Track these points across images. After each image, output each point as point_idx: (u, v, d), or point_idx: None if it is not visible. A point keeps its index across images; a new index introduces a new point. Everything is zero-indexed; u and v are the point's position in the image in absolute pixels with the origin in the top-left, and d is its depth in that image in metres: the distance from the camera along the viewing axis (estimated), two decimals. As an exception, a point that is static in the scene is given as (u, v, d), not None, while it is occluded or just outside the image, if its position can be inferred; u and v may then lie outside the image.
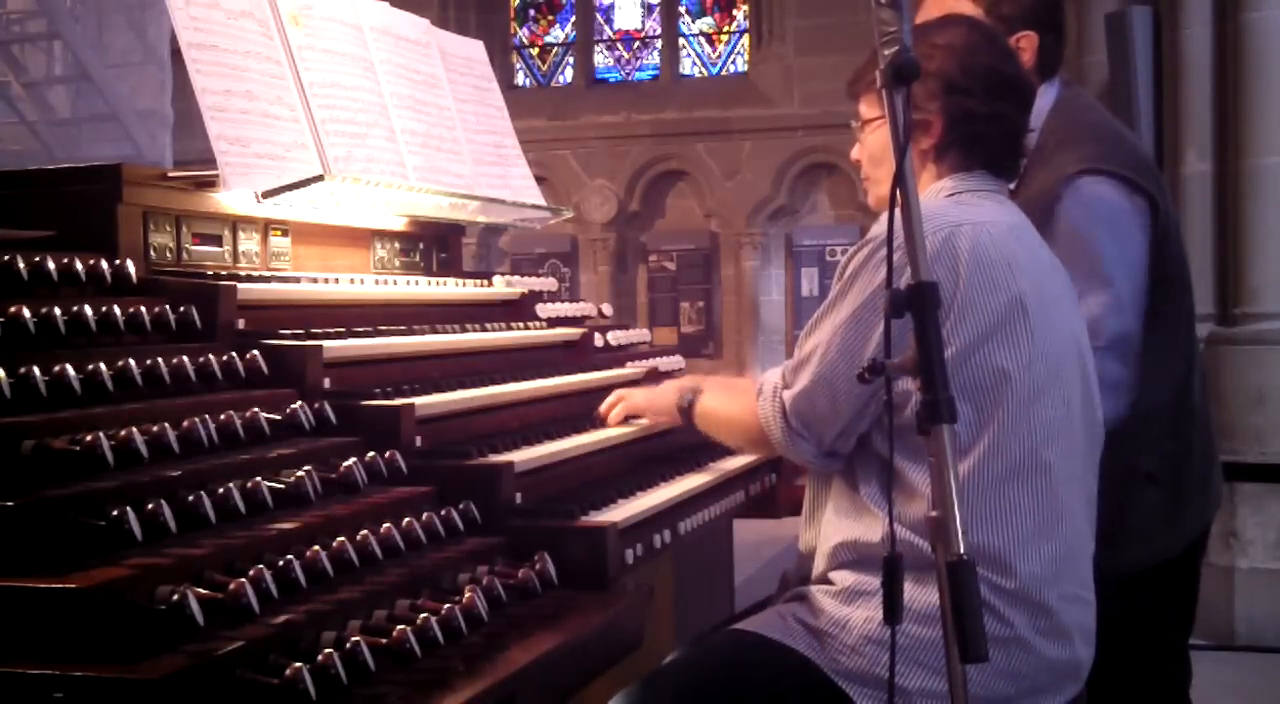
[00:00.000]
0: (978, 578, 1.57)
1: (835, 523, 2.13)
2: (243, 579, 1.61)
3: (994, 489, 2.02)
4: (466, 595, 1.88)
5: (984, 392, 2.02)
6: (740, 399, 2.34)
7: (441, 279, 3.15)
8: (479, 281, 3.28)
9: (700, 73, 11.47)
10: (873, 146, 2.28)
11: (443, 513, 2.11)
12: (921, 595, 1.95)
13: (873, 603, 2.00)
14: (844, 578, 2.09)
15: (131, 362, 1.95)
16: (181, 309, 2.17)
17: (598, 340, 3.28)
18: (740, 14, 11.33)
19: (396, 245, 3.17)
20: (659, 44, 11.49)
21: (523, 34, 11.91)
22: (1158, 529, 2.62)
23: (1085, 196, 2.50)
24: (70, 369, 1.83)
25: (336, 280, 2.72)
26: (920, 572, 1.91)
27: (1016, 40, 2.60)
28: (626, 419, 2.78)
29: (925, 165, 2.20)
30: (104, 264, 2.14)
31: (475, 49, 3.51)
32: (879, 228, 2.01)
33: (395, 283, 2.97)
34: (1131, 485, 2.57)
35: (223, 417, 1.97)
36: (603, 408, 2.80)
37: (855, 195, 9.96)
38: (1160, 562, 2.64)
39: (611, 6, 11.72)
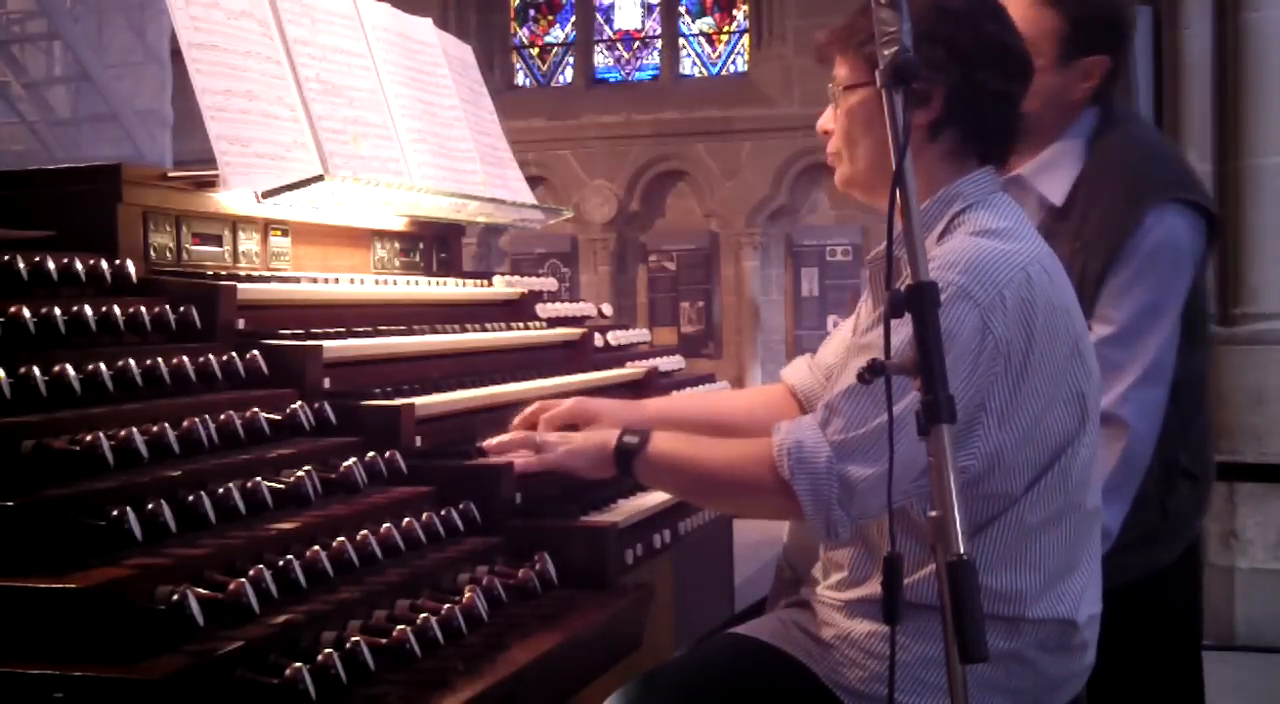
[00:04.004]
0: (978, 584, 1.54)
1: (849, 579, 2.07)
2: (243, 579, 1.61)
3: (1029, 536, 1.96)
4: (466, 595, 1.88)
5: (1045, 452, 1.95)
6: (725, 450, 2.05)
7: (441, 279, 3.15)
8: (479, 281, 3.28)
9: (700, 73, 11.47)
10: (850, 118, 2.06)
11: (443, 513, 2.10)
12: (925, 623, 1.91)
13: (875, 616, 1.95)
14: (848, 591, 2.06)
15: (131, 362, 1.95)
16: (181, 309, 2.17)
17: (598, 340, 3.28)
18: (740, 14, 11.33)
19: (396, 245, 3.17)
20: (659, 44, 11.49)
21: (523, 34, 11.92)
22: (1189, 522, 2.64)
23: (1168, 226, 2.45)
24: (70, 369, 1.83)
25: (336, 280, 2.72)
26: (926, 612, 1.88)
27: (1089, 64, 2.52)
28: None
29: (921, 147, 1.96)
30: (104, 264, 2.14)
31: (467, 52, 3.53)
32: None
33: (395, 283, 2.97)
34: (1171, 482, 2.57)
35: (223, 417, 1.97)
36: (493, 442, 2.33)
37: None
38: (1179, 556, 2.65)
39: (611, 6, 11.72)
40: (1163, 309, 2.45)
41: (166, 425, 1.85)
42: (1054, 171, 2.57)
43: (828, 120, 2.13)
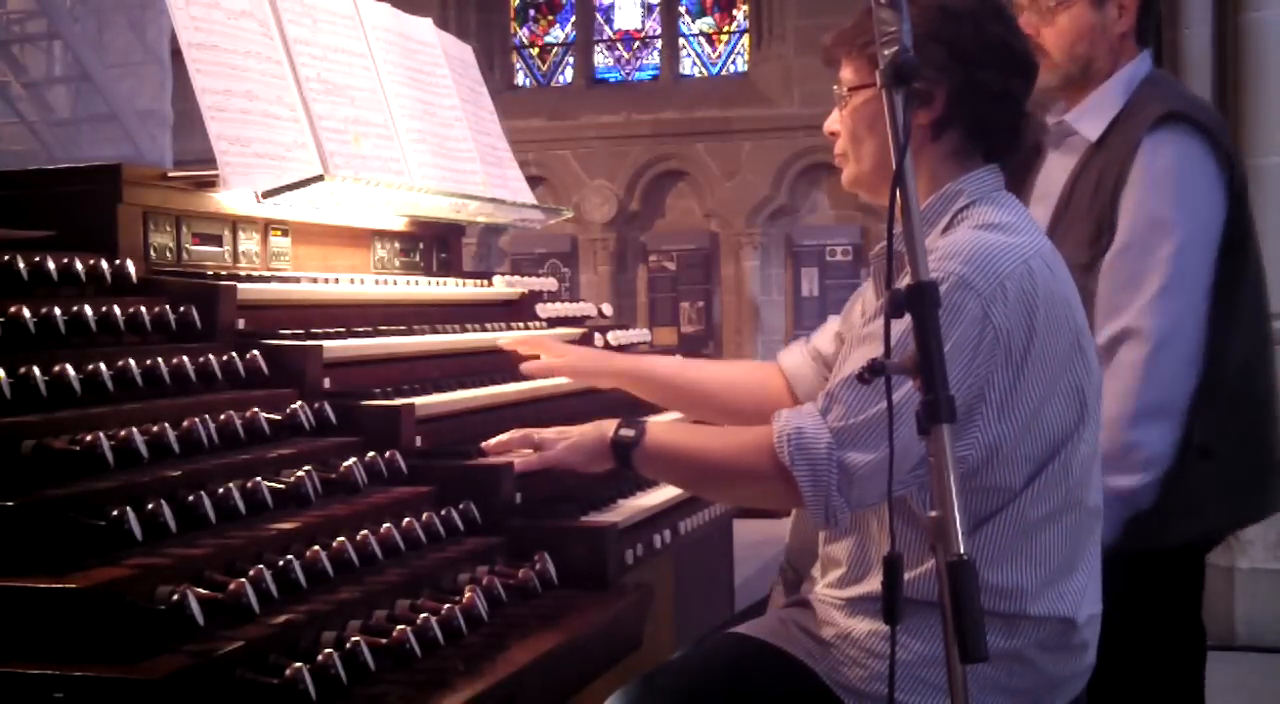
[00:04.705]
0: (979, 584, 1.53)
1: (850, 572, 2.06)
2: (243, 579, 1.61)
3: (1030, 531, 1.96)
4: (466, 595, 1.88)
5: (1044, 446, 1.95)
6: (723, 439, 2.09)
7: (441, 279, 3.15)
8: (479, 281, 3.28)
9: (700, 73, 11.47)
10: (855, 119, 2.08)
11: (443, 513, 2.11)
12: (925, 622, 1.91)
13: (875, 614, 1.94)
14: (848, 589, 2.06)
15: (131, 362, 1.95)
16: (181, 309, 2.17)
17: (598, 340, 3.28)
18: (740, 14, 11.33)
19: (396, 245, 3.17)
20: (659, 44, 11.49)
21: (523, 34, 11.92)
22: (1202, 508, 2.52)
23: (1168, 145, 2.47)
24: (70, 369, 1.83)
25: (336, 280, 2.72)
26: (926, 609, 1.88)
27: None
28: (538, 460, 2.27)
29: (923, 146, 2.00)
30: (104, 264, 2.14)
31: (467, 52, 3.53)
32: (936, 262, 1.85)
33: (395, 283, 2.97)
34: (1182, 458, 2.48)
35: (223, 417, 1.97)
36: (492, 442, 2.34)
37: (855, 195, 9.95)
38: (1181, 544, 2.57)
39: (611, 6, 11.72)
40: (1175, 224, 2.44)
41: (166, 425, 1.85)
42: (1094, 113, 2.66)
43: (834, 122, 2.15)
